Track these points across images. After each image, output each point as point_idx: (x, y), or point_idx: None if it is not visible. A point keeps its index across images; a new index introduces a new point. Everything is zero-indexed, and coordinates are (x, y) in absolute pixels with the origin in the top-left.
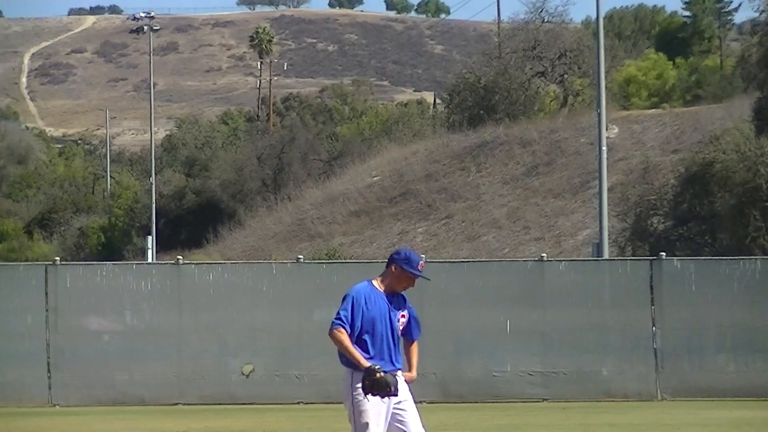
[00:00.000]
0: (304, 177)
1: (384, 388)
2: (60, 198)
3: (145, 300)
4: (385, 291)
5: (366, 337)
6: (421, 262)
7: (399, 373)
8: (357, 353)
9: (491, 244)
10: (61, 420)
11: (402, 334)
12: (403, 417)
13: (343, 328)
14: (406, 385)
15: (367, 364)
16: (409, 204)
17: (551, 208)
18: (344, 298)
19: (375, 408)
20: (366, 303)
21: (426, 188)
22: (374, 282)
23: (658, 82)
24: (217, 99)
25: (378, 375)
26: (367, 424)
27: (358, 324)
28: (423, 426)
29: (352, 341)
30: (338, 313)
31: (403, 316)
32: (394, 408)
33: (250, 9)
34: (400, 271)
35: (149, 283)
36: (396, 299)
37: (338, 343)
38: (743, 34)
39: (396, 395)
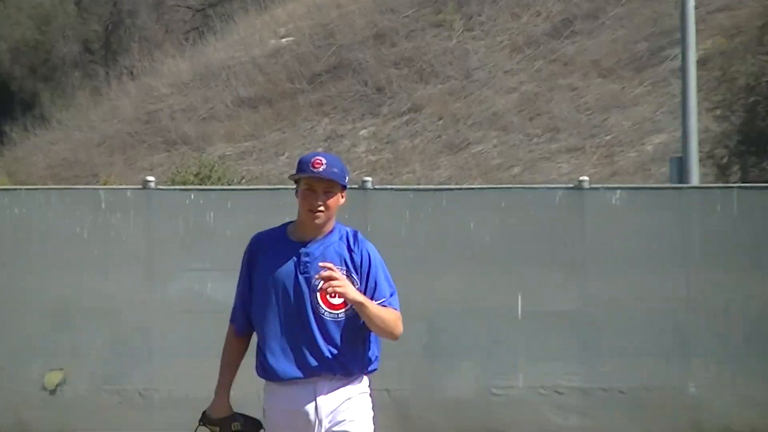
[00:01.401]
0: (159, 38)
1: None
2: None
3: None
4: (297, 238)
5: (258, 316)
6: (317, 158)
7: (323, 385)
8: (221, 372)
9: (489, 158)
10: None
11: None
12: None
13: (231, 323)
14: (358, 407)
15: (217, 394)
16: (344, 85)
17: (595, 95)
18: None
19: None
20: (253, 260)
21: (374, 58)
22: (288, 227)
23: None
24: None
25: (207, 426)
26: None
27: (249, 295)
28: None
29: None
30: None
31: (327, 268)
32: None
33: None
34: (297, 186)
35: None
36: (322, 247)
37: None
38: None
39: None
